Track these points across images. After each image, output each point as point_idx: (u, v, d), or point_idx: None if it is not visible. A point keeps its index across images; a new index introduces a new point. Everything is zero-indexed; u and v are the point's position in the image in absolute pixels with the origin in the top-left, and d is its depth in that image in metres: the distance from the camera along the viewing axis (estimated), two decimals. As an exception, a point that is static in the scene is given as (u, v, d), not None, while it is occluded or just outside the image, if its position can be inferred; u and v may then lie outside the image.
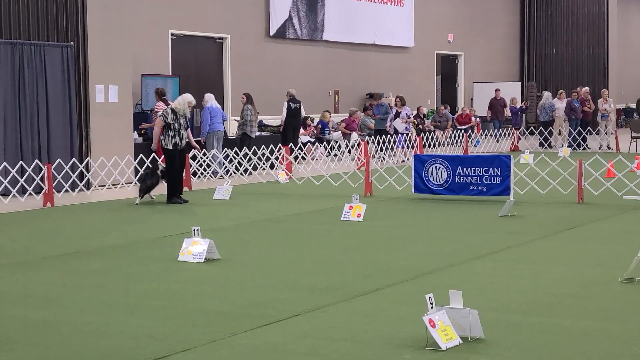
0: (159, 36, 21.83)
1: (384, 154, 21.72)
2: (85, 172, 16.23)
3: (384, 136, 22.42)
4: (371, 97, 28.08)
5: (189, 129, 14.84)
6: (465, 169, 14.35)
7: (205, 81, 22.93)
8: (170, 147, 14.35)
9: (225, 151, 18.53)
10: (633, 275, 7.82)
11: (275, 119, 23.37)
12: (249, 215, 13.02)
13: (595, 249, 9.77)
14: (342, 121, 25.68)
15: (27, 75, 15.96)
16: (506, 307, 6.98)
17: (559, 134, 27.35)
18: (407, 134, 23.23)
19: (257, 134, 20.90)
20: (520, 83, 34.72)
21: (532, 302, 7.15)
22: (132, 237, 11.07)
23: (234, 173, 18.62)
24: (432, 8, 31.89)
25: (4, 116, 15.73)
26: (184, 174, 15.46)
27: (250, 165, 18.52)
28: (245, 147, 18.69)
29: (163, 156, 14.76)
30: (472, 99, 33.64)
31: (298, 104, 22.06)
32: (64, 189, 15.68)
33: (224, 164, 18.92)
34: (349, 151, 22.37)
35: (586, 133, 26.42)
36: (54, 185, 14.96)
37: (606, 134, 26.87)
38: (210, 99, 19.60)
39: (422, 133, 25.06)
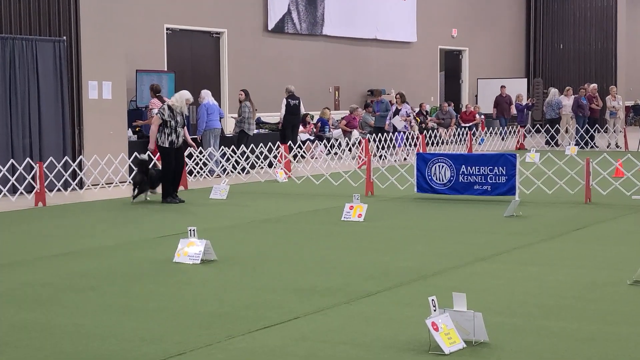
0: (154, 31, 21.73)
1: (385, 152, 21.46)
2: (78, 170, 16.24)
3: (384, 134, 22.13)
4: (372, 93, 27.82)
5: (185, 126, 14.70)
6: (469, 168, 14.28)
7: (201, 77, 22.86)
8: (167, 145, 14.26)
9: (223, 149, 18.50)
10: (641, 278, 7.80)
11: (274, 116, 23.36)
12: (247, 215, 13.01)
13: (602, 251, 9.73)
14: (342, 118, 25.61)
15: (19, 70, 15.89)
16: (511, 310, 6.96)
17: (566, 132, 27.15)
18: (405, 132, 22.70)
19: (255, 131, 20.87)
20: (526, 79, 34.59)
21: (538, 305, 7.10)
22: (126, 237, 11.10)
23: (231, 172, 18.57)
24: (435, 2, 31.72)
25: (-6, 113, 15.74)
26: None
27: (248, 164, 18.46)
28: (242, 145, 18.66)
29: (159, 154, 14.66)
30: (476, 96, 33.41)
31: (297, 101, 22.06)
32: (56, 188, 15.62)
33: (221, 162, 18.86)
34: (350, 149, 22.30)
35: (594, 131, 26.22)
36: (45, 184, 14.92)
37: (614, 131, 26.77)
38: (206, 95, 19.55)
39: (425, 131, 24.68)
